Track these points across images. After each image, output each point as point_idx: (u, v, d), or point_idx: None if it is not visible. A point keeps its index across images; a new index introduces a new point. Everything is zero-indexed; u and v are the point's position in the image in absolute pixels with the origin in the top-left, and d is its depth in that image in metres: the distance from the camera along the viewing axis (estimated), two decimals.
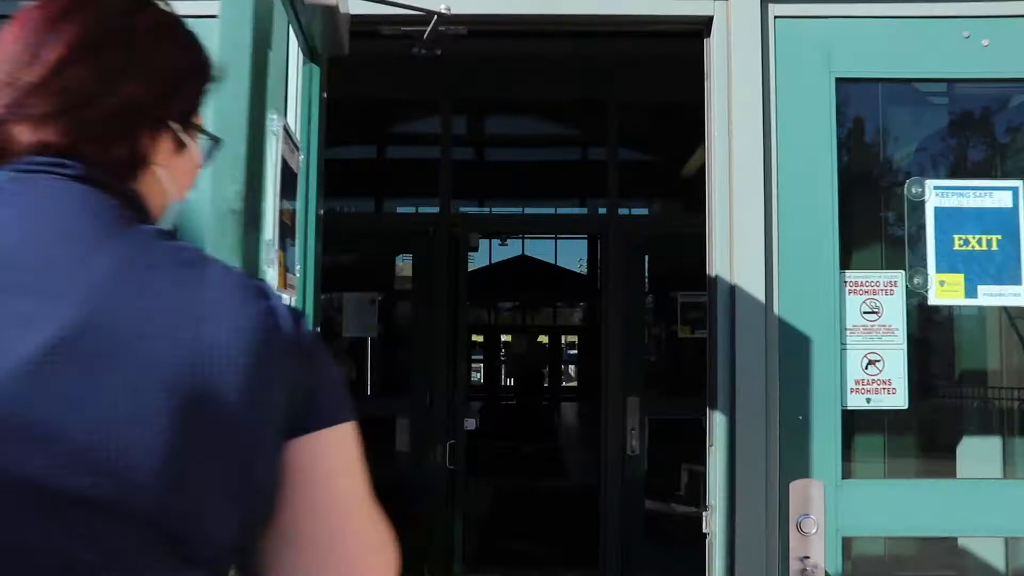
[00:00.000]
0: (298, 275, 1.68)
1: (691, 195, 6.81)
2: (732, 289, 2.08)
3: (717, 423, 2.07)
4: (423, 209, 6.70)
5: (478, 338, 26.00)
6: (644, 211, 7.25)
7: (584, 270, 23.58)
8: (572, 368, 26.93)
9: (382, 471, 6.07)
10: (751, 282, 2.07)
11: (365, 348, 6.50)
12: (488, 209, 7.77)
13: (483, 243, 25.80)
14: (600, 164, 6.13)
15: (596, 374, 6.19)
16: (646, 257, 5.91)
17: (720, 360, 2.07)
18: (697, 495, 6.87)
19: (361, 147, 6.78)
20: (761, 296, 2.05)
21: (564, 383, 25.47)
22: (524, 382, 14.27)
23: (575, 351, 26.44)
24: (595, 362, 6.67)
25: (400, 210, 7.38)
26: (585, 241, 22.99)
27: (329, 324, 6.45)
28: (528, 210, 7.84)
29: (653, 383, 6.32)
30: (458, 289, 5.42)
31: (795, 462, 2.02)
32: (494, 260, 25.75)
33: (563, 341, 26.40)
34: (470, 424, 5.02)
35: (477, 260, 26.50)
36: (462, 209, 6.32)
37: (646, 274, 5.97)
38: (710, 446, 2.11)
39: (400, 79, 5.75)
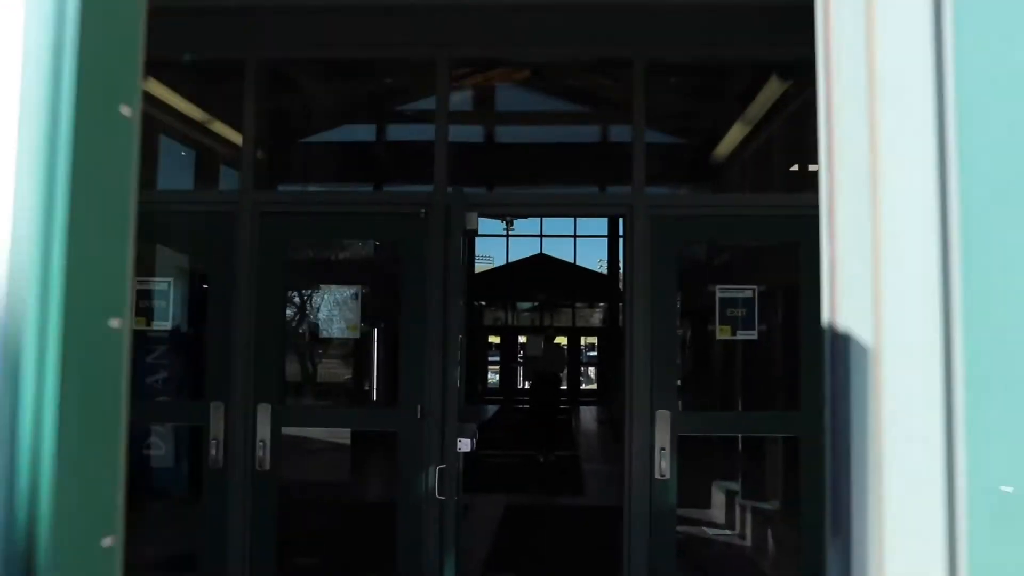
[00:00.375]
0: (34, 216, 0.80)
1: (729, 173, 5.90)
2: (875, 257, 1.17)
3: (850, 499, 1.16)
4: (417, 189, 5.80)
5: (495, 339, 25.39)
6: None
7: (604, 270, 22.88)
8: (592, 371, 26.40)
9: (369, 497, 5.21)
10: (908, 250, 1.16)
11: (354, 351, 5.72)
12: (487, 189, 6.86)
13: (499, 242, 25.10)
14: (624, 144, 5.22)
15: (617, 375, 5.29)
16: (678, 243, 4.95)
17: (853, 391, 1.17)
18: (735, 525, 5.98)
19: (345, 125, 5.94)
20: (934, 266, 1.14)
21: (584, 385, 24.88)
22: (541, 385, 13.38)
23: (594, 353, 25.81)
24: (615, 364, 5.80)
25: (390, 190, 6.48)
26: (605, 240, 22.24)
27: (308, 323, 5.61)
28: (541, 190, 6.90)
29: (686, 391, 5.43)
30: (448, 281, 4.49)
31: (1000, 568, 1.12)
32: (511, 259, 25.13)
33: (583, 343, 25.77)
34: (464, 445, 4.07)
35: (496, 260, 25.90)
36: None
37: (678, 264, 4.99)
38: (833, 537, 1.20)
39: (387, 34, 4.90)
